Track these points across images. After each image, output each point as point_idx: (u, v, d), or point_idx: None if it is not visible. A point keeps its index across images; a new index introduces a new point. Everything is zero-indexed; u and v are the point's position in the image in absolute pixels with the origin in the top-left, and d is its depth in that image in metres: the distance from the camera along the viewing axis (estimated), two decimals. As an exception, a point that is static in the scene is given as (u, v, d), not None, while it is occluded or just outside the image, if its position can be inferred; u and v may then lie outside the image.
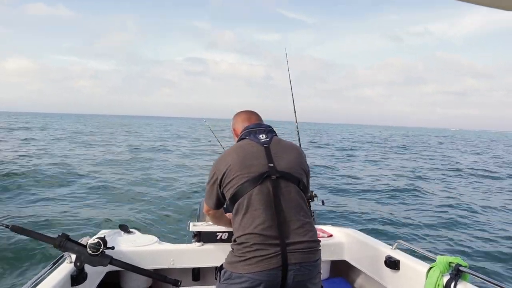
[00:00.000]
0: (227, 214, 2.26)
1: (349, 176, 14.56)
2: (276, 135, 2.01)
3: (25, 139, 26.04)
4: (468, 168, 18.83)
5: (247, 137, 1.95)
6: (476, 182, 14.75)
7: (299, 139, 3.02)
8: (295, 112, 3.15)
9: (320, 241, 1.84)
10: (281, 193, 1.77)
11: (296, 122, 3.19)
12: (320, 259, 1.82)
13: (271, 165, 1.81)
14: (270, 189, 1.77)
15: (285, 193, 1.78)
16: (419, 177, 14.99)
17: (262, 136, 1.94)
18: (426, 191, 12.00)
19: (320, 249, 1.82)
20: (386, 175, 15.29)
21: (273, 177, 1.78)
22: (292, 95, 3.13)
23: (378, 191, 11.71)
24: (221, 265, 1.83)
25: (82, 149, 21.63)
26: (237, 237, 1.78)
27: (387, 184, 13.01)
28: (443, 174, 16.25)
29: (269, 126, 2.03)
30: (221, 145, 3.67)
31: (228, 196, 1.85)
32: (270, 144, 1.90)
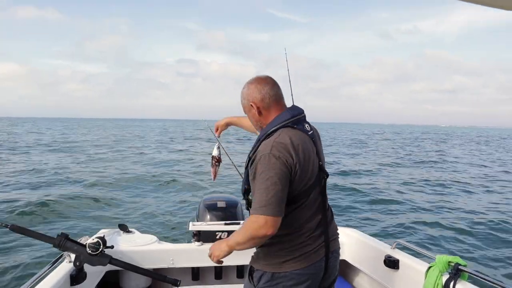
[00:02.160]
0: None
1: (347, 175, 14.56)
2: None
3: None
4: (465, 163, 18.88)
5: (295, 126, 1.69)
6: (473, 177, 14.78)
7: None
8: (293, 101, 3.13)
9: None
10: (325, 189, 1.77)
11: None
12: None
13: (320, 163, 1.74)
14: (321, 188, 1.74)
15: (326, 189, 1.78)
16: (419, 177, 15.01)
17: (307, 126, 1.74)
18: (425, 190, 12.01)
19: None
20: (386, 174, 15.30)
21: (324, 177, 1.75)
22: (292, 96, 3.12)
23: (376, 189, 11.71)
24: (252, 268, 1.73)
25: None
26: (279, 236, 1.61)
27: (387, 184, 13.02)
28: (442, 171, 16.27)
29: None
30: (222, 146, 3.65)
31: (288, 196, 1.60)
32: (314, 137, 1.76)
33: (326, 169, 1.78)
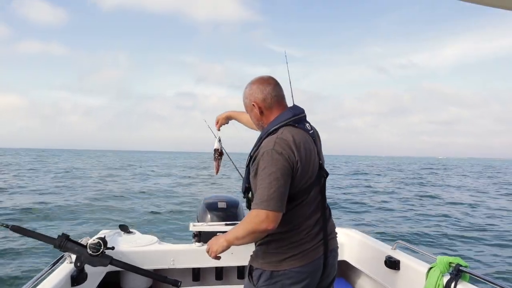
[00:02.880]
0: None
1: (350, 175, 14.54)
2: None
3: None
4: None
5: (296, 125, 1.70)
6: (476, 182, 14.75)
7: None
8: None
9: None
10: (325, 188, 1.77)
11: None
12: None
13: (321, 162, 1.75)
14: (321, 186, 1.73)
15: (325, 188, 1.78)
16: (420, 182, 14.99)
17: (308, 125, 1.75)
18: (426, 192, 12.00)
19: None
20: (386, 174, 15.27)
21: (324, 175, 1.75)
22: (292, 98, 3.11)
23: (378, 192, 11.70)
24: (252, 267, 1.72)
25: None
26: (277, 233, 1.64)
27: (386, 185, 13.00)
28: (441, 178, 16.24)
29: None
30: (224, 149, 3.65)
31: (289, 194, 1.60)
32: (314, 136, 1.77)
33: (326, 168, 1.79)
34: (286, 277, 1.63)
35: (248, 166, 1.73)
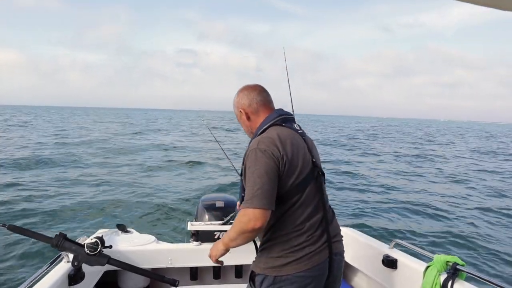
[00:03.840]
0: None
1: (347, 174, 14.57)
2: None
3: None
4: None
5: (283, 124, 1.73)
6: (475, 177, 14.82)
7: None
8: (292, 104, 3.13)
9: None
10: (323, 188, 1.74)
11: (293, 112, 3.16)
12: None
13: (314, 159, 1.72)
14: (318, 185, 1.71)
15: (323, 187, 1.75)
16: (416, 174, 15.03)
17: (296, 126, 1.77)
18: (422, 188, 12.03)
19: None
20: (385, 174, 15.32)
21: (319, 173, 1.72)
22: (291, 99, 3.11)
23: (376, 188, 11.74)
24: (253, 272, 1.71)
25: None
26: (278, 237, 1.64)
27: (385, 183, 13.04)
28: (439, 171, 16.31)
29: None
30: (217, 141, 3.65)
31: (281, 191, 1.61)
32: (304, 135, 1.77)
33: (322, 168, 1.77)
34: (289, 282, 1.60)
35: (241, 175, 1.72)
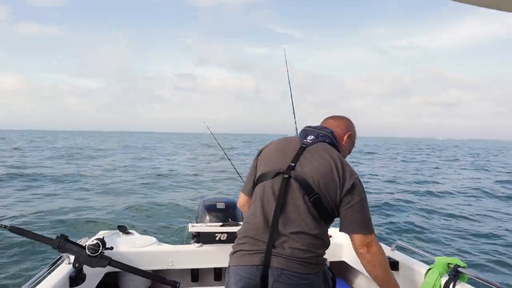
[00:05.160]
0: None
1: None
2: (329, 143, 1.76)
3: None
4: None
5: (300, 134, 1.89)
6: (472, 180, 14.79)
7: None
8: (294, 117, 3.12)
9: (320, 256, 1.63)
10: (290, 195, 1.61)
11: (295, 124, 3.16)
12: (317, 276, 1.59)
13: (292, 164, 1.66)
14: (279, 187, 1.63)
15: (295, 197, 1.61)
16: (420, 180, 15.01)
17: (311, 137, 1.79)
18: (426, 192, 12.01)
19: (316, 265, 1.59)
20: (386, 174, 15.31)
21: (285, 176, 1.64)
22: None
23: (376, 189, 11.72)
24: None
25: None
26: (243, 222, 1.74)
27: (385, 185, 13.02)
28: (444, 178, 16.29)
29: (329, 132, 1.81)
30: (221, 146, 3.68)
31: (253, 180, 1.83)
32: (310, 146, 1.73)
33: (306, 179, 1.61)
34: (228, 273, 1.66)
35: None
